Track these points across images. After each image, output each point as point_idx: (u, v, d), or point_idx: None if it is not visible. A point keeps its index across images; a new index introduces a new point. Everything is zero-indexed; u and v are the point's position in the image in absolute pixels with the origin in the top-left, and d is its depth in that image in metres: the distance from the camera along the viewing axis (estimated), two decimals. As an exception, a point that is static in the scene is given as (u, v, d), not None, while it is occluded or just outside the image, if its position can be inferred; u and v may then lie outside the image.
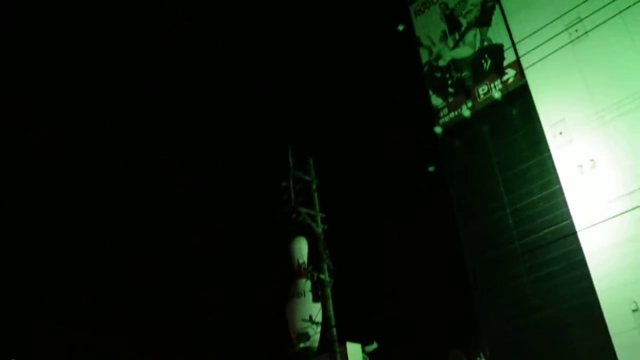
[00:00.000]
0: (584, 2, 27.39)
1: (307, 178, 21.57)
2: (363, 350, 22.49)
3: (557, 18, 29.04)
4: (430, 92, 35.83)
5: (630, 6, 27.63)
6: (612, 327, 25.57)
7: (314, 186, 21.56)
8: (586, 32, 29.11)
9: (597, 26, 27.50)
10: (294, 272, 25.31)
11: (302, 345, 24.20)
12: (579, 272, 27.14)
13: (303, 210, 19.67)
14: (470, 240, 31.86)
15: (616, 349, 25.13)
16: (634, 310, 25.22)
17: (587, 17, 27.92)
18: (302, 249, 24.89)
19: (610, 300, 25.90)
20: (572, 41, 29.35)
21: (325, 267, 20.07)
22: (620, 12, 27.66)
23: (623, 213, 25.87)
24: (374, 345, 22.88)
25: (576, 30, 29.44)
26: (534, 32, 29.51)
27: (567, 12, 29.03)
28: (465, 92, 33.79)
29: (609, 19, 27.11)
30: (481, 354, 20.95)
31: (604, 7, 26.61)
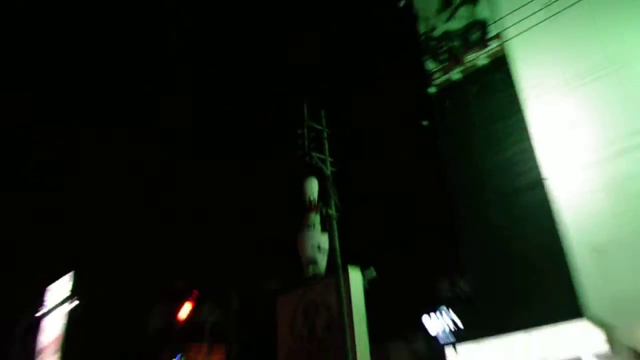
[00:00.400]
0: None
1: (320, 127, 22.91)
2: (363, 276, 23.88)
3: (536, -2, 30.44)
4: (426, 58, 37.32)
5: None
6: (575, 264, 27.43)
7: (325, 135, 22.98)
8: (559, 11, 30.25)
9: (567, 7, 28.84)
10: (305, 207, 26.69)
11: (311, 269, 25.64)
12: (549, 215, 28.97)
13: (315, 154, 20.99)
14: (454, 185, 33.74)
15: (577, 283, 27.00)
16: (594, 250, 26.90)
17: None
18: (313, 187, 26.37)
19: (575, 241, 27.73)
20: (548, 18, 30.52)
21: (333, 203, 21.37)
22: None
23: (590, 165, 27.37)
24: (373, 274, 24.35)
25: (552, 9, 30.56)
26: (516, 9, 30.97)
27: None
28: (456, 58, 35.40)
29: (575, 1, 28.54)
30: (462, 281, 22.63)
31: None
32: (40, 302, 55.10)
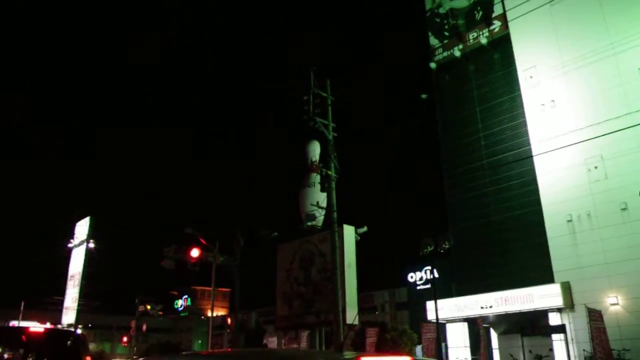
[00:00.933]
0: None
1: (325, 95, 24.11)
2: (355, 232, 24.99)
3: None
4: (430, 34, 38.13)
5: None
6: (550, 232, 29.16)
7: (329, 102, 24.27)
8: (564, -4, 31.02)
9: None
10: (307, 167, 27.83)
11: (309, 223, 26.95)
12: (531, 187, 30.52)
13: (319, 119, 22.18)
14: (448, 154, 35.10)
15: (550, 249, 28.85)
16: (568, 221, 28.59)
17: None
18: (315, 149, 27.32)
19: (551, 211, 29.40)
20: (550, 2, 31.19)
21: (332, 165, 22.63)
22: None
23: (571, 145, 28.56)
24: (364, 229, 25.37)
25: (556, -7, 31.20)
26: (520, -9, 31.71)
27: (550, -24, 30.91)
28: (458, 36, 36.28)
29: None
30: (446, 242, 24.13)
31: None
32: (71, 235, 57.67)
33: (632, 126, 24.08)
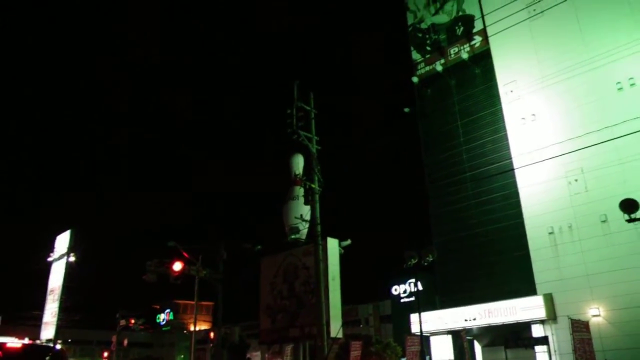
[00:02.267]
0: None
1: (308, 108, 23.88)
2: (339, 245, 24.73)
3: (519, -2, 31.46)
4: (412, 49, 38.29)
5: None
6: (532, 245, 29.22)
7: (312, 115, 24.04)
8: (542, 12, 31.35)
9: (550, 7, 29.89)
10: (291, 180, 27.61)
11: (293, 236, 26.68)
12: (513, 200, 30.56)
13: (303, 133, 21.95)
14: (430, 167, 35.09)
15: (533, 262, 28.89)
16: (550, 233, 28.68)
17: (543, -1, 30.41)
18: (299, 163, 27.15)
19: (533, 224, 29.47)
20: (529, 17, 31.59)
21: (316, 178, 22.35)
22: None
23: (552, 158, 28.72)
24: (348, 242, 25.11)
25: (534, 10, 31.56)
26: (500, 7, 31.98)
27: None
28: (440, 51, 36.44)
29: (561, 2, 29.51)
30: (430, 255, 23.94)
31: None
32: (51, 248, 56.48)
33: (609, 140, 24.20)
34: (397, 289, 43.31)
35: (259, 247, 26.55)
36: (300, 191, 27.62)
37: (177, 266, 24.74)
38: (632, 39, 28.02)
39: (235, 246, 27.60)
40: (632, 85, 27.58)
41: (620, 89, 27.89)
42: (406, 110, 37.14)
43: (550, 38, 31.49)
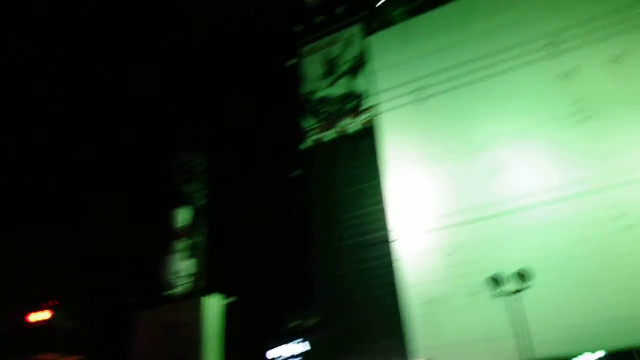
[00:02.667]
0: (429, 75, 32.69)
1: (196, 161, 23.39)
2: (222, 301, 24.11)
3: (407, 82, 33.85)
4: (304, 117, 39.32)
5: (463, 84, 32.74)
6: (410, 312, 29.86)
7: (202, 168, 23.59)
8: (429, 97, 33.76)
9: (435, 95, 32.52)
10: (173, 234, 26.74)
11: (172, 289, 25.59)
12: (391, 269, 31.36)
13: (186, 186, 21.40)
14: (316, 232, 35.40)
15: (411, 329, 29.47)
16: (426, 302, 29.56)
17: (429, 86, 33.01)
18: (183, 216, 26.59)
19: (412, 292, 30.27)
20: (416, 100, 33.84)
21: (201, 232, 21.94)
22: (454, 87, 32.72)
23: (431, 230, 30.37)
24: (232, 298, 24.61)
25: (421, 94, 33.94)
26: (389, 89, 34.54)
27: (415, 80, 33.92)
28: (330, 122, 37.76)
29: (444, 91, 32.25)
30: (311, 318, 23.88)
31: (445, 81, 32.49)
32: None
33: (480, 219, 25.88)
34: (274, 351, 41.91)
35: (134, 300, 25.13)
36: (182, 245, 26.82)
37: (36, 317, 22.61)
38: (501, 130, 30.97)
39: (106, 300, 25.86)
40: (500, 171, 30.16)
41: (493, 172, 30.32)
42: (295, 174, 37.28)
43: (434, 120, 33.63)
